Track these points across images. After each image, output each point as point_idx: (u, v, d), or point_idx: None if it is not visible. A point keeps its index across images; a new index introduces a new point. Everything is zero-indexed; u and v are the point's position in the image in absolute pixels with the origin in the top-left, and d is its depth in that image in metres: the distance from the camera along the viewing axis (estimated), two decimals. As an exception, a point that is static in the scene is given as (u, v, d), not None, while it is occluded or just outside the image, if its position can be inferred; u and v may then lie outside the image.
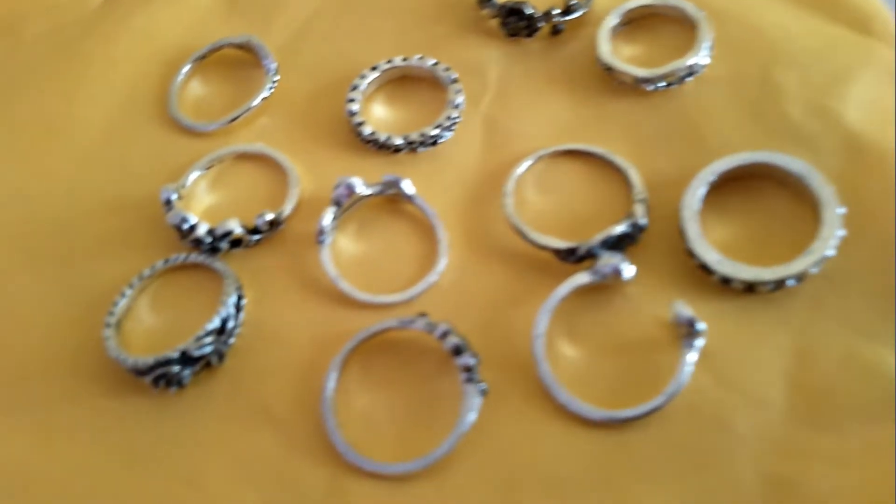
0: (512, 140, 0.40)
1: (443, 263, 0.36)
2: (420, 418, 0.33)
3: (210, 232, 0.37)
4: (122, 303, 0.37)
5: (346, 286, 0.36)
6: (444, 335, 0.33)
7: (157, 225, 0.40)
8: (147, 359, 0.34)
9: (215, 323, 0.35)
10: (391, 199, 0.39)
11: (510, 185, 0.38)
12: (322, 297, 0.37)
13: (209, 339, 0.35)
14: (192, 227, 0.37)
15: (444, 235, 0.37)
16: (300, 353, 0.35)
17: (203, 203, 0.40)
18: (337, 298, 0.36)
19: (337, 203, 0.37)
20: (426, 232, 0.38)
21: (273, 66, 0.43)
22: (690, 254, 0.34)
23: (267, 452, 0.33)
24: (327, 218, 0.37)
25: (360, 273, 0.37)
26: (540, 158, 0.38)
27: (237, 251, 0.38)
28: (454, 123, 0.40)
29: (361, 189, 0.37)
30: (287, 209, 0.39)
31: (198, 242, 0.38)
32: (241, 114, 0.42)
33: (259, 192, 0.41)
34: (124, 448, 0.34)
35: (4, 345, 0.37)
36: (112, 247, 0.40)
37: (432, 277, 0.36)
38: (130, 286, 0.37)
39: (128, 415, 0.35)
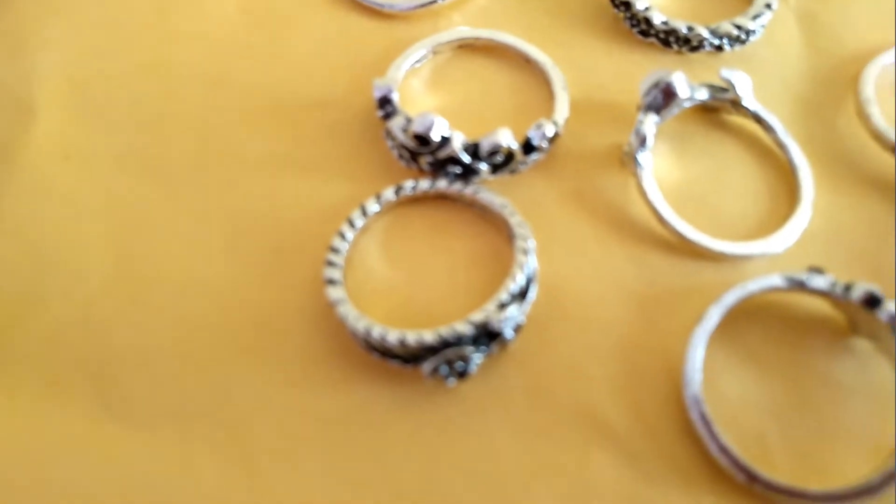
0: (840, 38, 0.30)
1: (808, 199, 0.25)
2: (817, 420, 0.23)
3: (469, 148, 0.25)
4: (344, 249, 0.24)
5: (687, 229, 0.25)
6: (849, 292, 0.22)
7: (362, 134, 0.27)
8: (425, 336, 0.22)
9: (520, 281, 0.23)
10: (711, 108, 0.27)
11: (867, 91, 0.27)
12: (638, 242, 0.25)
13: (515, 307, 0.23)
14: (445, 140, 0.25)
15: (803, 159, 0.26)
16: (621, 323, 0.24)
17: (421, 107, 0.28)
18: (662, 245, 0.25)
19: (654, 108, 0.26)
20: (766, 154, 0.27)
21: (492, -76, 0.31)
22: None
23: (598, 475, 0.22)
24: (649, 127, 0.25)
25: (682, 210, 0.25)
26: (904, 59, 0.28)
27: (492, 178, 0.26)
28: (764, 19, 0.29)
29: (684, 91, 0.26)
30: (560, 118, 0.27)
31: (440, 164, 0.25)
32: (454, -12, 0.30)
33: (498, 94, 0.28)
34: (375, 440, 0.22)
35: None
36: (306, 164, 0.27)
37: (800, 220, 0.25)
38: (351, 225, 0.25)
39: (376, 403, 0.23)
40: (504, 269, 0.24)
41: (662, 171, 0.26)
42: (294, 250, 0.25)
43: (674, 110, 0.26)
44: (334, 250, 0.24)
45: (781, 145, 0.26)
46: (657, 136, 0.26)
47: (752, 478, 0.21)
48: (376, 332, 0.22)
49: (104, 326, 0.24)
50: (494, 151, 0.25)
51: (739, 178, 0.27)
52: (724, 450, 0.22)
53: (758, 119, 0.27)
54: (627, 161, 0.26)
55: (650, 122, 0.25)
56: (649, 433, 0.23)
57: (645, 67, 0.28)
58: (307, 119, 0.28)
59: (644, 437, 0.23)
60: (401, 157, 0.26)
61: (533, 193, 0.26)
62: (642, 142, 0.25)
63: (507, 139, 0.25)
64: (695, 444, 0.22)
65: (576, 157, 0.27)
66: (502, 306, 0.22)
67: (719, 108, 0.27)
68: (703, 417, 0.22)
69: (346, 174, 0.27)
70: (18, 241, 0.25)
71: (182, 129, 0.28)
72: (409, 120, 0.25)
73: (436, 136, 0.25)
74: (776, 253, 0.25)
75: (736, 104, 0.27)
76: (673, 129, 0.27)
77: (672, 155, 0.27)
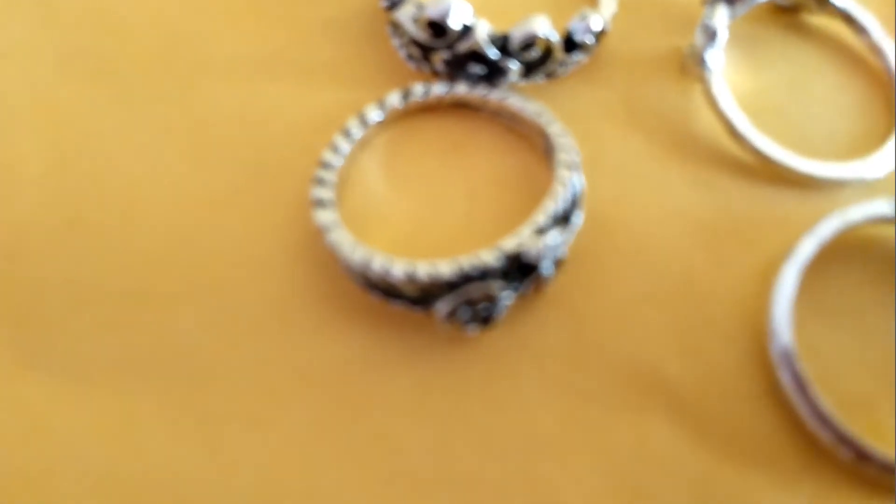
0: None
1: (913, 114, 0.21)
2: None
3: (497, 40, 0.20)
4: (338, 164, 0.19)
5: (768, 145, 0.20)
6: None
7: (364, 32, 0.22)
8: (440, 268, 0.17)
9: (562, 202, 0.18)
10: (789, 8, 0.22)
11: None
12: (706, 162, 0.20)
13: (555, 234, 0.18)
14: (467, 30, 0.20)
15: (905, 67, 0.21)
16: (686, 259, 0.19)
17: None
18: (735, 166, 0.20)
19: (724, 0, 0.21)
20: (857, 61, 0.22)
21: None
22: None
23: (657, 448, 0.17)
24: (720, 20, 0.20)
25: (758, 126, 0.21)
26: None
27: (524, 82, 0.21)
28: None
29: (762, -21, 0.21)
30: (607, 13, 0.22)
31: (460, 62, 0.20)
32: None
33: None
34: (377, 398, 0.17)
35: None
36: (293, 67, 0.22)
37: (905, 136, 0.20)
38: (346, 136, 0.19)
39: (375, 355, 0.18)
40: (539, 192, 0.19)
41: (733, 79, 0.21)
42: (276, 167, 0.20)
43: (746, 5, 0.21)
44: (325, 166, 0.19)
45: (877, 50, 0.21)
46: (727, 39, 0.21)
47: (862, 455, 0.17)
48: (377, 263, 0.17)
49: (34, 259, 0.19)
50: (528, 44, 0.20)
51: (826, 89, 0.22)
52: (824, 419, 0.17)
53: (848, 19, 0.22)
54: (691, 65, 0.21)
55: (721, 14, 0.20)
56: (723, 397, 0.18)
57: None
58: (295, 14, 0.23)
59: (716, 403, 0.18)
60: (410, 56, 0.21)
61: (575, 102, 0.21)
62: (711, 38, 0.20)
63: (545, 28, 0.20)
64: (784, 411, 0.17)
65: (626, 61, 0.22)
66: (540, 232, 0.17)
67: (800, 6, 0.22)
68: (797, 377, 0.17)
69: (342, 79, 0.22)
70: (-70, 152, 0.20)
71: (142, 24, 0.23)
72: (420, 6, 0.20)
73: (455, 24, 0.20)
74: (876, 178, 0.20)
75: (821, 1, 0.22)
76: (744, 31, 0.22)
77: (744, 61, 0.22)
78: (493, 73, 0.20)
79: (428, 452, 0.17)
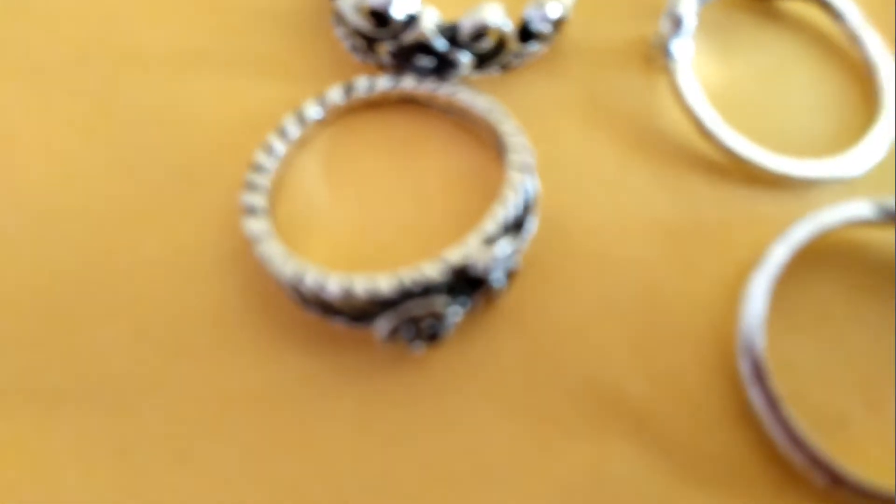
0: None
1: (891, 105, 0.19)
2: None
3: (446, 30, 0.18)
4: (272, 167, 0.17)
5: (738, 142, 0.18)
6: None
7: (307, 24, 0.20)
8: (379, 283, 0.15)
9: (513, 208, 0.16)
10: (762, -9, 0.21)
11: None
12: (672, 161, 0.19)
13: (506, 243, 0.16)
14: (412, 19, 0.18)
15: (884, 55, 0.20)
16: (650, 267, 0.18)
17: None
18: (703, 165, 0.19)
19: (692, -15, 0.19)
20: (834, 50, 0.20)
21: None
22: None
23: (619, 473, 0.16)
24: (687, 6, 0.19)
25: (728, 121, 0.19)
26: None
27: (477, 75, 0.19)
28: None
29: (732, -38, 0.19)
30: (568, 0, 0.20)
31: (406, 54, 0.19)
32: None
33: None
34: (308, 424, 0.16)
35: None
36: (228, 60, 0.20)
37: (882, 134, 0.19)
38: (282, 136, 0.18)
39: (312, 378, 0.16)
40: (492, 194, 0.18)
41: (702, 71, 0.20)
42: (205, 170, 0.19)
43: (714, -9, 0.20)
44: (257, 169, 0.17)
45: (855, 38, 0.20)
46: (695, 27, 0.20)
47: (837, 479, 0.15)
48: (311, 278, 0.16)
49: (-61, 273, 0.17)
50: (479, 34, 0.18)
51: (801, 80, 0.20)
52: (797, 440, 0.16)
53: (824, 4, 0.20)
54: (656, 55, 0.19)
55: (689, 1, 0.19)
56: (689, 417, 0.16)
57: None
58: (231, 4, 0.21)
59: (682, 423, 0.16)
60: (355, 48, 0.20)
61: (532, 97, 0.19)
62: (677, 25, 0.19)
63: (497, 17, 0.18)
64: (754, 432, 0.16)
65: (588, 51, 0.20)
66: (489, 242, 0.16)
67: (774, -10, 0.21)
68: (768, 395, 0.16)
69: (280, 73, 0.20)
70: None
71: (62, 14, 0.21)
72: (363, -6, 0.19)
73: (398, 13, 0.18)
74: (854, 176, 0.19)
75: (799, -16, 0.20)
76: (715, 18, 0.21)
77: (714, 51, 0.20)
78: (443, 66, 0.19)
79: (371, 481, 0.16)
